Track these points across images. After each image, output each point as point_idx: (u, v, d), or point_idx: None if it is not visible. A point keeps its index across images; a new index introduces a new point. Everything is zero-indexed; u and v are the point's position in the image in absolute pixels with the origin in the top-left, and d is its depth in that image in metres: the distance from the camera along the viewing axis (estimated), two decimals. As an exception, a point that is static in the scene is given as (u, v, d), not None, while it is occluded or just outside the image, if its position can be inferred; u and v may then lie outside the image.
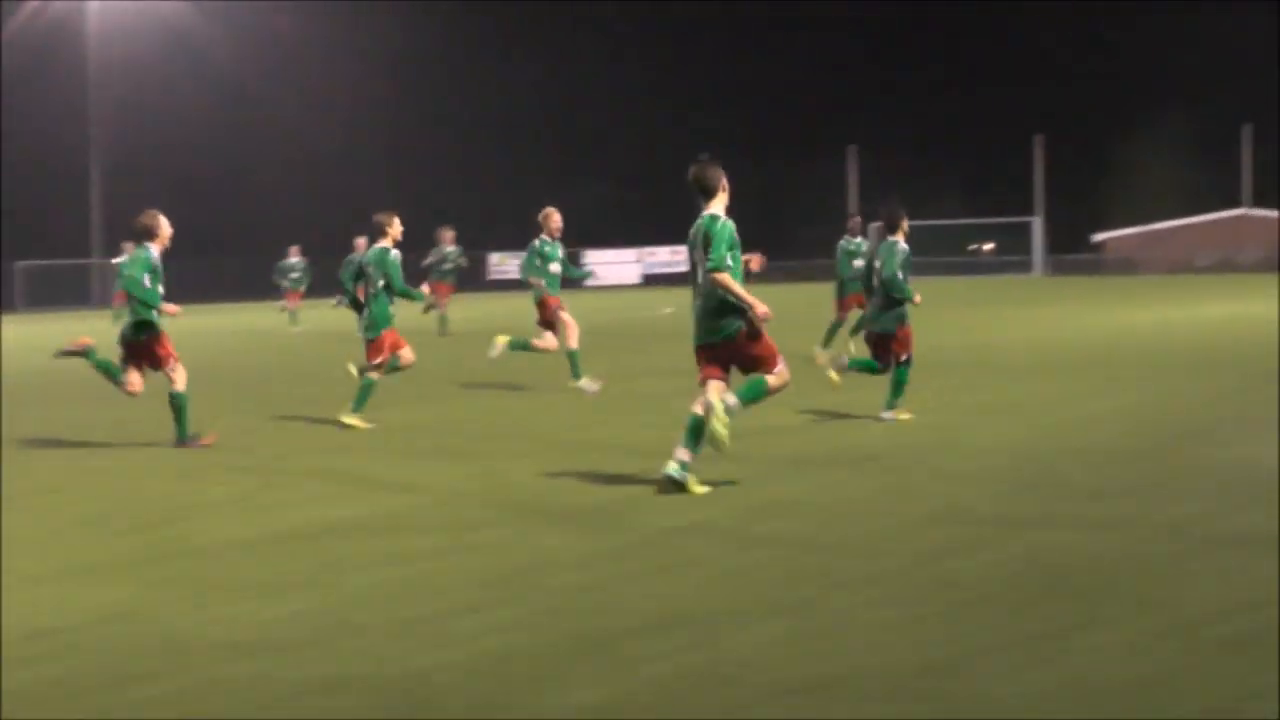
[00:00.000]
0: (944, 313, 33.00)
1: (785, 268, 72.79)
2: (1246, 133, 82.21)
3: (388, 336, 15.18)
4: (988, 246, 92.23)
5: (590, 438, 14.03)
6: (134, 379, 14.00)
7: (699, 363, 10.73)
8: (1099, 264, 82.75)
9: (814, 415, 14.43)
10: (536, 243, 19.21)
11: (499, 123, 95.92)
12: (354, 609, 7.40)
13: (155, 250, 13.88)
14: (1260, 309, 33.46)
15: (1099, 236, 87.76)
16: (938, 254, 78.51)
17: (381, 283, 15.16)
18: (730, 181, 10.95)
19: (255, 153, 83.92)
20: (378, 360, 15.14)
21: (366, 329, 15.25)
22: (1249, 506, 9.32)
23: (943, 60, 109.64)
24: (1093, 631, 6.49)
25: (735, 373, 10.77)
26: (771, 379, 10.46)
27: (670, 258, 78.31)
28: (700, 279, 10.57)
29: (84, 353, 14.14)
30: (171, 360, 13.79)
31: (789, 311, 35.21)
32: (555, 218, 19.49)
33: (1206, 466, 11.07)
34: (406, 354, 15.45)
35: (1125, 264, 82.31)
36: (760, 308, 10.35)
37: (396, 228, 15.45)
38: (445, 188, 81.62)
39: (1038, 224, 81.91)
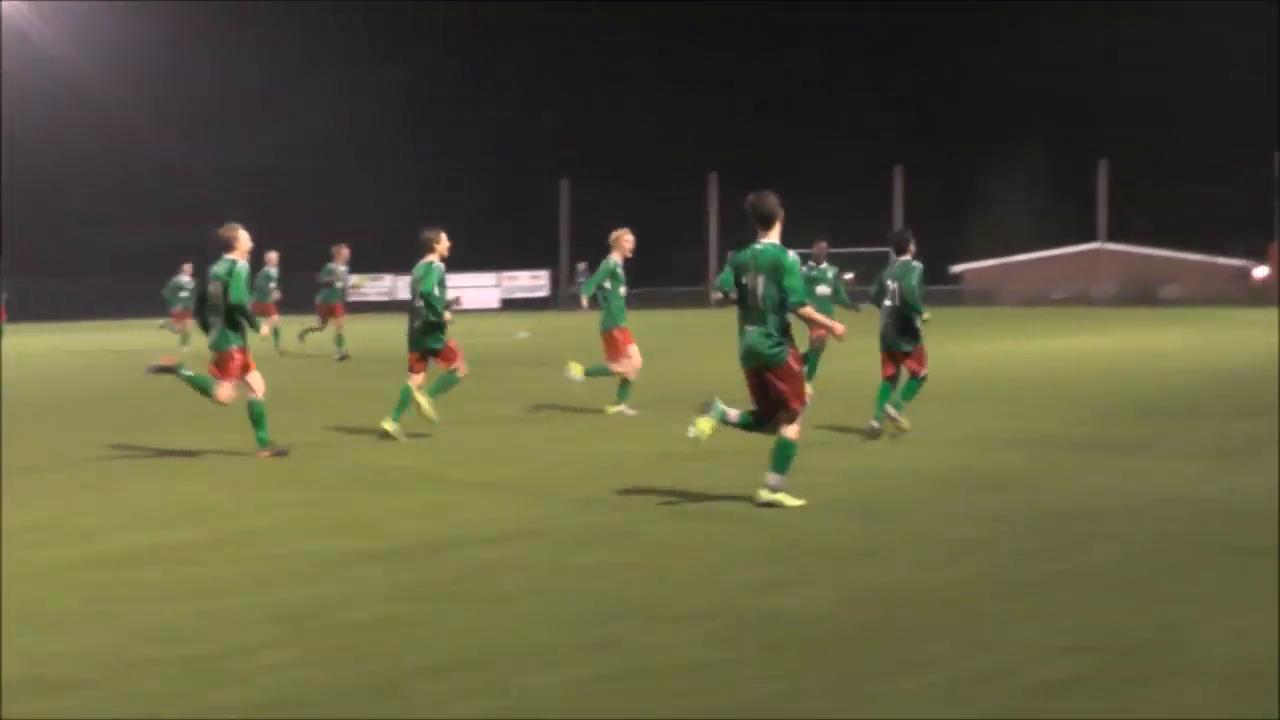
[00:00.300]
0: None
1: (650, 294, 73.21)
2: (1102, 167, 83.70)
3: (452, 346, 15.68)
4: (848, 276, 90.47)
5: (416, 468, 13.55)
6: (226, 390, 14.23)
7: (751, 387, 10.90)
8: (958, 295, 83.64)
9: (657, 446, 14.13)
10: (616, 264, 18.14)
11: (360, 142, 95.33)
12: (141, 644, 6.99)
13: (240, 260, 14.18)
14: (1114, 342, 33.95)
15: (958, 268, 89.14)
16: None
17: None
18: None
19: (136, 170, 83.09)
20: (452, 365, 15.60)
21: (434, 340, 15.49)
22: (1087, 543, 9.19)
23: (803, 90, 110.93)
24: (914, 673, 6.26)
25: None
26: (790, 430, 10.64)
27: (530, 282, 78.24)
28: (750, 303, 10.72)
29: (173, 369, 14.41)
30: (251, 369, 14.23)
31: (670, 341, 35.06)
32: (628, 238, 18.39)
33: (1049, 500, 10.88)
34: (462, 366, 15.80)
35: (983, 295, 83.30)
36: (839, 328, 11.67)
37: (444, 244, 15.51)
38: (308, 206, 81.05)
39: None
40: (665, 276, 78.02)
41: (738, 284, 10.90)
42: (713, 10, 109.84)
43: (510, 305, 75.55)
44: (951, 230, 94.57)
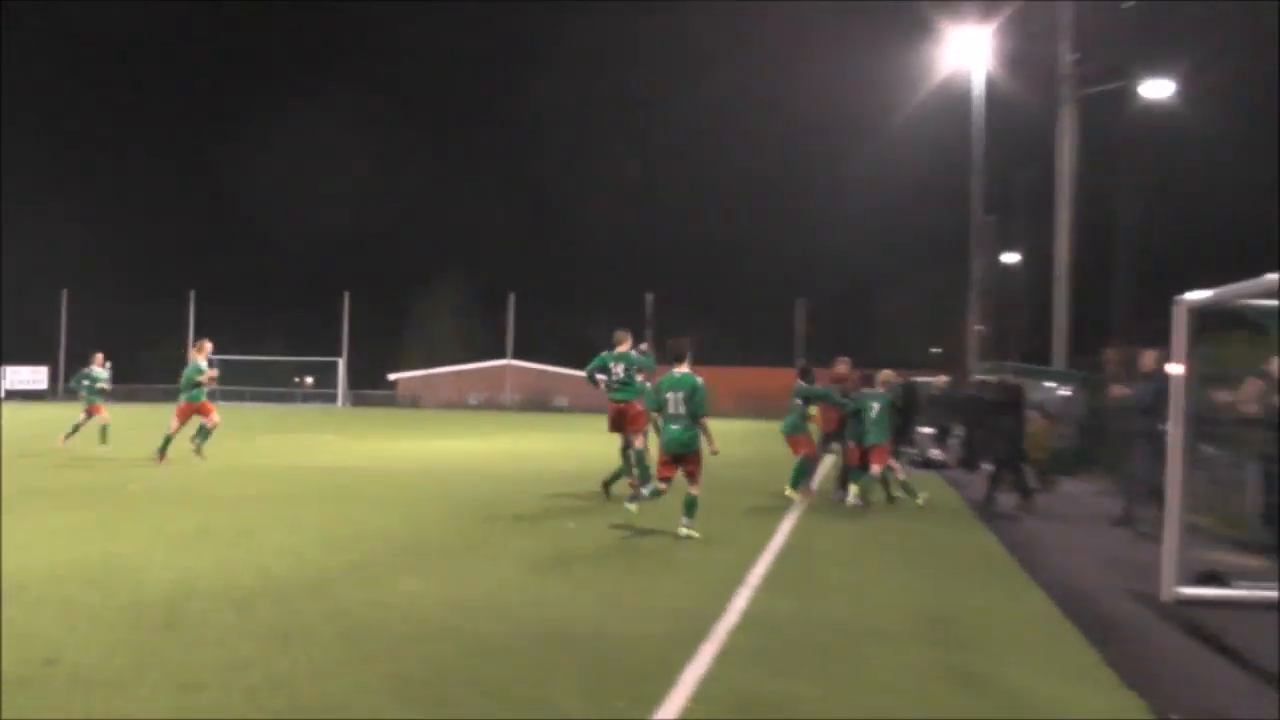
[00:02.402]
0: (256, 438, 33.59)
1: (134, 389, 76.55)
2: (511, 300, 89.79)
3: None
4: (309, 380, 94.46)
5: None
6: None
7: (664, 463, 13.86)
8: (393, 399, 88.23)
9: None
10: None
11: None
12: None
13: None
14: (522, 444, 35.33)
15: (393, 376, 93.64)
16: (265, 385, 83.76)
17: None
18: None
19: None
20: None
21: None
22: (350, 662, 7.50)
23: (267, 225, 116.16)
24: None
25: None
26: (695, 489, 13.91)
27: (31, 376, 78.86)
28: (673, 410, 13.74)
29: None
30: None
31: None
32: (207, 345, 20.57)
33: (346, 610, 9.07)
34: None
35: (413, 399, 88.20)
36: (715, 445, 13.73)
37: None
38: None
39: (342, 364, 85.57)
40: (147, 375, 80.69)
41: (659, 397, 13.83)
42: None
43: (12, 395, 74.92)
44: (388, 345, 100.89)
